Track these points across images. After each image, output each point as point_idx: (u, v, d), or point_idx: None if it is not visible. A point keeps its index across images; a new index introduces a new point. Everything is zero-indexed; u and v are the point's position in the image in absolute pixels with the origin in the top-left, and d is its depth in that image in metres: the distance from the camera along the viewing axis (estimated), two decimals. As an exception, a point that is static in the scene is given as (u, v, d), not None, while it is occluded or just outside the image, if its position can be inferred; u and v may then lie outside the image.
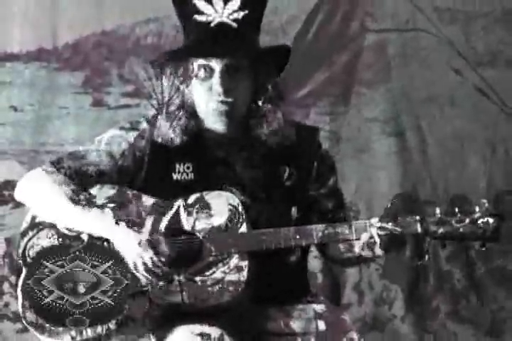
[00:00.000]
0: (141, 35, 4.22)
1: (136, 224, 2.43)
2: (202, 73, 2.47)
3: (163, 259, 2.38)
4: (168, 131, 2.52)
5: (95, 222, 2.43)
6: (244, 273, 2.41)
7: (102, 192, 2.49)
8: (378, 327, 4.27)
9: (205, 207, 2.45)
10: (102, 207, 2.45)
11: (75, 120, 4.10)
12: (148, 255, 2.37)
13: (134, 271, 2.41)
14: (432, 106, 4.39)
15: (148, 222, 2.45)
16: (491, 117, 4.37)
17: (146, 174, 2.54)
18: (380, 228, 2.31)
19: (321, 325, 2.51)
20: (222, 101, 2.45)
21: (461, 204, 2.24)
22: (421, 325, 4.28)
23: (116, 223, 2.41)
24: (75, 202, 2.44)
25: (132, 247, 2.39)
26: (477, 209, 2.25)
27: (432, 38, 4.35)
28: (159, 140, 2.53)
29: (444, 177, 4.39)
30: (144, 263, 2.38)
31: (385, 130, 4.37)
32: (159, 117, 2.56)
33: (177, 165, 2.53)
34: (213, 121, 2.50)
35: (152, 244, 2.38)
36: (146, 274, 2.39)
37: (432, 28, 4.34)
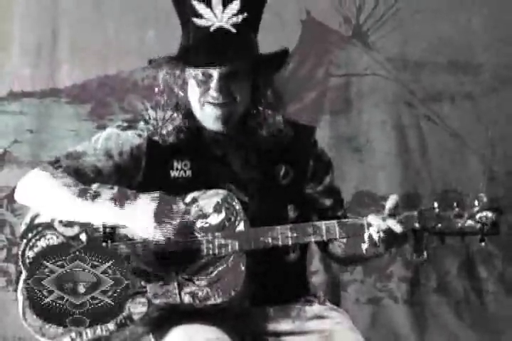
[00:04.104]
0: (138, 78, 3.85)
1: None
2: (199, 77, 2.00)
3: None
4: (163, 131, 2.05)
5: (104, 210, 1.95)
6: (242, 272, 1.93)
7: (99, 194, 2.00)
8: (342, 288, 3.87)
9: (202, 205, 1.97)
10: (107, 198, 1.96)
11: (81, 139, 3.68)
12: (165, 222, 1.90)
13: (158, 243, 1.94)
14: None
15: None
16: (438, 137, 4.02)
17: (144, 172, 2.06)
18: (379, 225, 1.85)
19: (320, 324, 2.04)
20: (218, 105, 1.99)
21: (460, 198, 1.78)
22: (377, 285, 3.89)
23: (123, 207, 1.93)
24: (82, 196, 1.96)
25: (147, 221, 1.90)
26: (476, 203, 1.80)
27: (387, 80, 4.01)
28: (155, 138, 2.06)
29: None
30: (166, 230, 1.91)
31: (347, 146, 3.94)
32: (155, 116, 2.09)
33: (175, 163, 2.05)
34: (210, 124, 2.04)
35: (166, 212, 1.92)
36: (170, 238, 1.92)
37: (387, 74, 4.02)
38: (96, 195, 1.95)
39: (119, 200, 1.94)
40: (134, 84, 3.83)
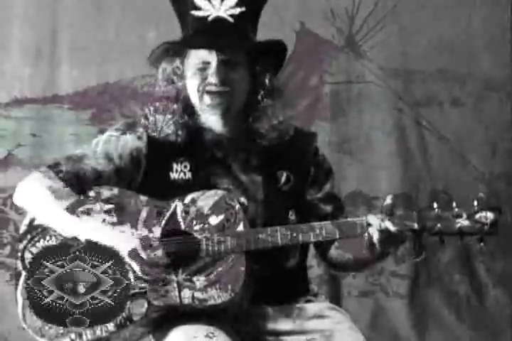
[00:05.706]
0: (138, 85, 3.75)
1: (131, 220, 1.88)
2: (198, 65, 1.92)
3: (155, 265, 1.83)
4: (164, 126, 1.95)
5: (91, 230, 1.86)
6: (242, 273, 1.83)
7: (100, 194, 1.91)
8: (334, 281, 3.76)
9: (201, 206, 1.87)
10: (98, 212, 1.88)
11: (83, 143, 3.62)
12: (139, 262, 1.81)
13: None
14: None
15: (143, 215, 1.89)
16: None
17: (144, 174, 1.96)
18: (377, 225, 1.75)
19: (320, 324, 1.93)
20: (216, 93, 1.90)
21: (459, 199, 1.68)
22: (368, 279, 3.78)
23: (111, 229, 1.86)
24: (70, 212, 1.87)
25: (126, 253, 1.84)
26: (475, 203, 1.69)
27: (378, 88, 3.93)
28: (154, 134, 1.96)
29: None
30: (136, 270, 1.83)
31: (336, 149, 3.84)
32: (154, 114, 1.99)
33: (174, 165, 1.95)
34: (209, 115, 1.94)
35: (145, 249, 1.82)
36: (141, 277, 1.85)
37: (378, 81, 3.94)
38: (84, 213, 1.87)
39: (107, 222, 1.86)
40: (134, 91, 3.74)
